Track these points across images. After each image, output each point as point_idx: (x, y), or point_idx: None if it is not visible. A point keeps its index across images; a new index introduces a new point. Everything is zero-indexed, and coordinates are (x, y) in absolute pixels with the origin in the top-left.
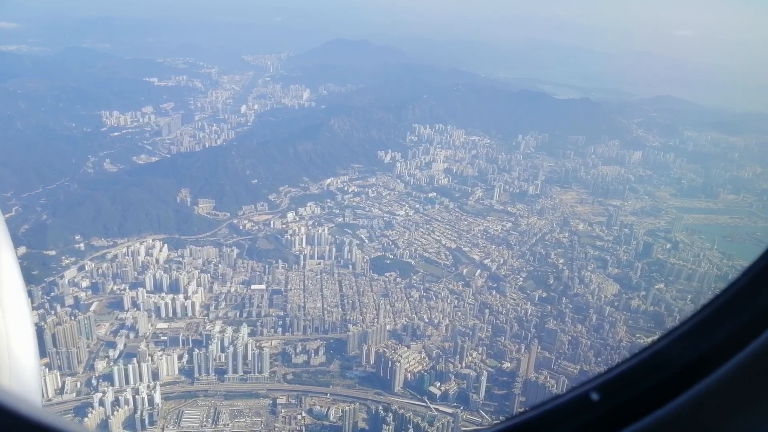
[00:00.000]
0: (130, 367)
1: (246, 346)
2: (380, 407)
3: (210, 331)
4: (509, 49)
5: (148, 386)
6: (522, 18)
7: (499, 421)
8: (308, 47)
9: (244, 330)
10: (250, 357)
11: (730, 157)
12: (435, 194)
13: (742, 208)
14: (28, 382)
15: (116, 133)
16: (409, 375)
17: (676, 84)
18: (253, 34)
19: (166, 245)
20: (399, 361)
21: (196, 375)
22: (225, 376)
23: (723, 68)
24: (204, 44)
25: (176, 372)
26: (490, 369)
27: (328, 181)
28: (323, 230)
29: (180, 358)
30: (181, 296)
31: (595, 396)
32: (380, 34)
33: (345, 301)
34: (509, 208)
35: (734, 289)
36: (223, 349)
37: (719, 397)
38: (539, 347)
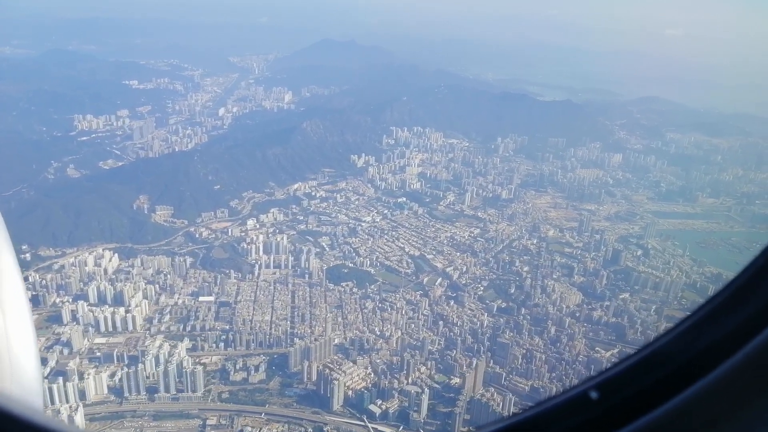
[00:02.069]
0: (54, 386)
1: (181, 362)
2: (309, 429)
3: (146, 346)
4: (500, 49)
5: (71, 407)
6: (515, 17)
7: (497, 420)
8: (296, 48)
9: (182, 345)
10: (184, 374)
11: (713, 159)
12: (404, 199)
13: (721, 213)
14: (30, 385)
15: (85, 138)
16: (350, 392)
17: (664, 84)
18: (241, 35)
19: (116, 255)
20: (338, 379)
21: (126, 394)
22: (156, 395)
23: (713, 67)
24: (191, 45)
25: (105, 391)
26: (436, 385)
27: (296, 186)
28: (282, 238)
29: (112, 375)
30: (122, 309)
31: (594, 394)
32: (370, 34)
33: (295, 313)
34: (480, 214)
35: (733, 287)
36: (157, 366)
37: (719, 395)
38: (491, 362)
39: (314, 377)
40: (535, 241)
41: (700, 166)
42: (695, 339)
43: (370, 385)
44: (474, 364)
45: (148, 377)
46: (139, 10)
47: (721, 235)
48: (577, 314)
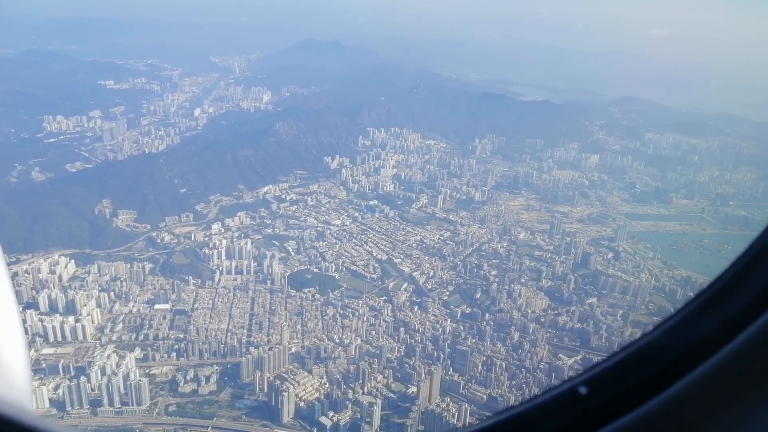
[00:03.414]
0: None
1: (128, 374)
2: None
3: (94, 357)
4: (487, 50)
5: None
6: (505, 18)
7: (486, 417)
8: (279, 48)
9: (131, 356)
10: (130, 386)
11: (690, 160)
12: (376, 202)
13: (694, 214)
14: (19, 386)
15: (53, 139)
16: (303, 404)
17: (649, 84)
18: (224, 35)
19: (73, 261)
20: (287, 390)
21: (68, 408)
22: (99, 408)
23: (699, 67)
24: (174, 45)
25: (47, 404)
26: (392, 395)
27: (265, 188)
28: (246, 243)
29: (56, 388)
30: (71, 318)
31: (582, 391)
32: (357, 34)
33: (253, 321)
34: (451, 216)
35: (719, 283)
36: (103, 378)
37: (706, 390)
38: (450, 369)
39: (267, 388)
40: (505, 244)
41: (676, 167)
42: (682, 335)
43: (323, 396)
44: (432, 373)
45: (93, 389)
46: (125, 10)
47: (693, 237)
48: (542, 320)
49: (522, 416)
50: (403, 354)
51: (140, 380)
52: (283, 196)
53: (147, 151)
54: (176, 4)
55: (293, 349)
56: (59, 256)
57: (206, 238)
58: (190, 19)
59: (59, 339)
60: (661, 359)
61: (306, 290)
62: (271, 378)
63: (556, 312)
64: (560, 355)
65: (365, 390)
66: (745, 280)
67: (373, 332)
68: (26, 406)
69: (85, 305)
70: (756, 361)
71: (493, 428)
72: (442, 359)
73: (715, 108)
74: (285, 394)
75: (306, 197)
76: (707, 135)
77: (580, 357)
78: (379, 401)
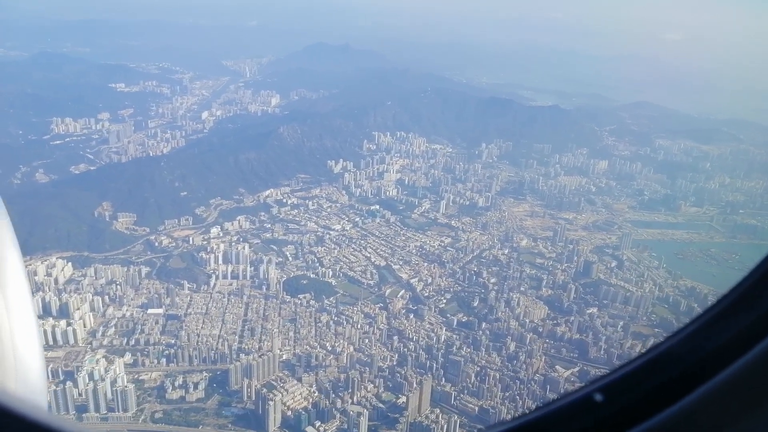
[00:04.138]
0: None
1: (116, 379)
2: None
3: (83, 361)
4: (499, 53)
5: None
6: (517, 20)
7: (501, 422)
8: (290, 51)
9: (119, 361)
10: (117, 392)
11: (701, 166)
12: (377, 207)
13: (703, 222)
14: (34, 383)
15: (59, 141)
16: (290, 413)
17: (661, 88)
18: (236, 38)
19: (70, 264)
20: (274, 399)
21: (54, 413)
22: (84, 414)
23: (712, 72)
24: (186, 48)
25: None
26: (381, 405)
27: (267, 192)
28: (244, 247)
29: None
30: (63, 322)
31: (598, 397)
32: (368, 37)
33: (246, 326)
34: (453, 222)
35: (739, 290)
36: (90, 383)
37: (725, 398)
38: (443, 379)
39: (255, 396)
40: (506, 252)
41: (686, 174)
42: (701, 342)
43: (311, 405)
44: (422, 383)
45: (80, 395)
46: (137, 13)
47: (700, 245)
48: (540, 329)
49: (536, 423)
50: (395, 363)
51: (126, 386)
52: (285, 200)
53: (151, 154)
54: (188, 7)
55: (284, 357)
56: (57, 258)
57: (204, 242)
58: (202, 23)
59: (50, 343)
60: (675, 369)
61: (301, 296)
62: (260, 386)
63: (554, 322)
64: (557, 366)
65: (355, 399)
66: (763, 289)
67: (367, 340)
68: (41, 404)
69: (78, 309)
70: None
71: None
72: (435, 369)
73: (728, 113)
74: (271, 403)
75: (307, 201)
76: (719, 141)
77: (577, 369)
78: (366, 412)
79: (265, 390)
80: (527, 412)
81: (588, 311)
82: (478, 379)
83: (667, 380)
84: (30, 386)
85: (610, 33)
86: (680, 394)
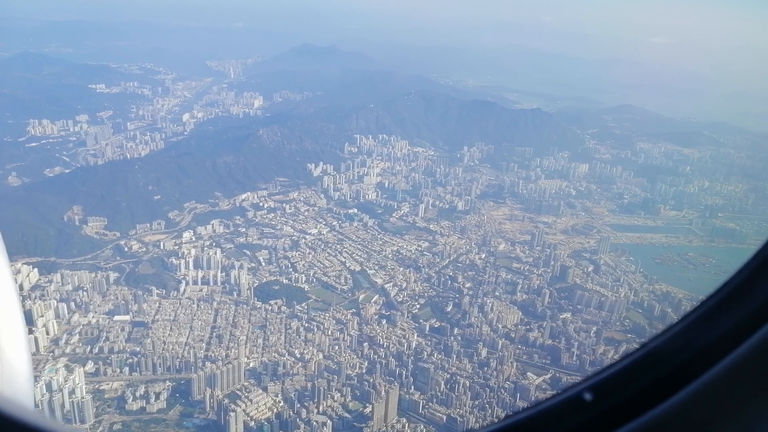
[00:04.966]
0: None
1: (74, 389)
2: None
3: (40, 371)
4: (488, 55)
5: None
6: (508, 24)
7: (492, 423)
8: (276, 53)
9: (79, 370)
10: (74, 403)
11: (681, 170)
12: (355, 211)
13: (682, 226)
14: (21, 386)
15: (34, 144)
16: (253, 423)
17: (647, 92)
18: (224, 39)
19: (35, 270)
20: (235, 410)
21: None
22: None
23: (699, 76)
24: (171, 49)
25: None
26: (347, 415)
27: (243, 196)
28: (216, 252)
29: None
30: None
31: (589, 396)
32: (357, 39)
33: (214, 334)
34: (432, 226)
35: (728, 288)
36: (48, 393)
37: (715, 395)
38: (412, 387)
39: (218, 406)
40: (483, 256)
41: (666, 178)
42: (690, 340)
43: (274, 416)
44: (396, 390)
45: (36, 406)
46: (124, 14)
47: (678, 249)
48: (513, 335)
49: (527, 422)
50: (365, 371)
51: (84, 397)
52: (261, 204)
53: (128, 157)
54: (176, 9)
55: (251, 365)
56: (22, 264)
57: (176, 247)
58: (188, 24)
59: None
60: (667, 365)
61: (272, 302)
62: (222, 395)
63: (527, 327)
64: (528, 373)
65: (320, 409)
66: (752, 286)
67: (337, 347)
68: (27, 404)
69: (41, 316)
70: (762, 368)
71: None
72: (404, 376)
73: (711, 117)
74: (233, 414)
75: (285, 205)
76: (701, 145)
77: (548, 376)
78: (330, 422)
79: (227, 400)
80: (519, 411)
81: (562, 316)
82: (448, 386)
83: (656, 379)
84: (16, 388)
85: (599, 36)
86: (669, 393)
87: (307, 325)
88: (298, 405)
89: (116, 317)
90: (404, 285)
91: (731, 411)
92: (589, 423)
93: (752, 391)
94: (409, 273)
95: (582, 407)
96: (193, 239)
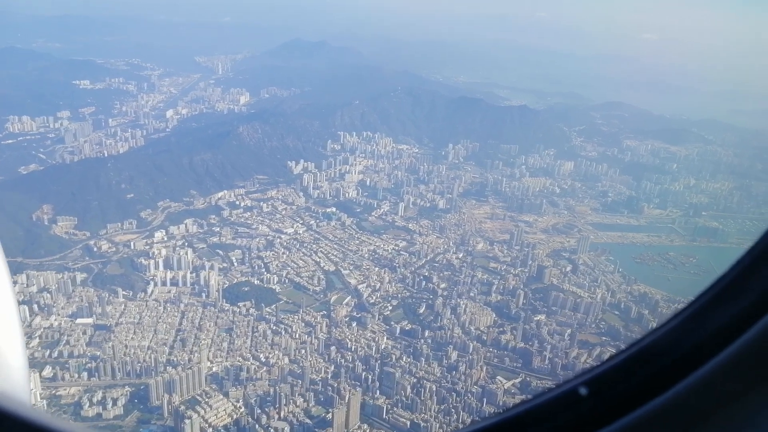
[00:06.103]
0: None
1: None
2: None
3: None
4: (479, 51)
5: None
6: (502, 19)
7: (487, 417)
8: (266, 48)
9: (34, 376)
10: None
11: (667, 168)
12: (334, 209)
13: (665, 225)
14: (17, 381)
15: (11, 141)
16: (210, 429)
17: (637, 89)
18: (213, 34)
19: None
20: (191, 417)
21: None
22: None
23: (688, 73)
24: (160, 44)
25: None
26: (309, 420)
27: (220, 194)
28: (187, 252)
29: None
30: None
31: (583, 390)
32: (347, 35)
33: (179, 337)
34: (411, 225)
35: (722, 283)
36: None
37: (710, 390)
38: (377, 392)
39: (176, 412)
40: (460, 255)
41: (652, 176)
42: (685, 335)
43: (232, 422)
44: (361, 394)
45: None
46: (114, 8)
47: (659, 249)
48: (485, 338)
49: (521, 417)
50: (330, 375)
51: (37, 403)
52: (238, 203)
53: (107, 154)
54: (165, 4)
55: (214, 369)
56: None
57: (146, 247)
58: (178, 19)
59: None
60: (663, 360)
61: (241, 304)
62: (181, 401)
63: (500, 329)
64: (498, 377)
65: (282, 415)
66: (747, 281)
67: (303, 351)
68: (24, 400)
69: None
70: (757, 363)
71: (491, 429)
72: (370, 381)
73: (701, 114)
74: (188, 421)
75: (262, 204)
76: (688, 142)
77: (519, 380)
78: (289, 428)
79: (183, 407)
80: (513, 406)
81: (536, 318)
82: (414, 391)
83: (653, 372)
84: (12, 383)
85: (591, 33)
86: (665, 387)
87: (274, 327)
88: (259, 411)
89: (79, 320)
90: (378, 286)
91: (724, 407)
92: (584, 417)
93: (745, 389)
94: (384, 273)
95: (577, 402)
96: (165, 239)
